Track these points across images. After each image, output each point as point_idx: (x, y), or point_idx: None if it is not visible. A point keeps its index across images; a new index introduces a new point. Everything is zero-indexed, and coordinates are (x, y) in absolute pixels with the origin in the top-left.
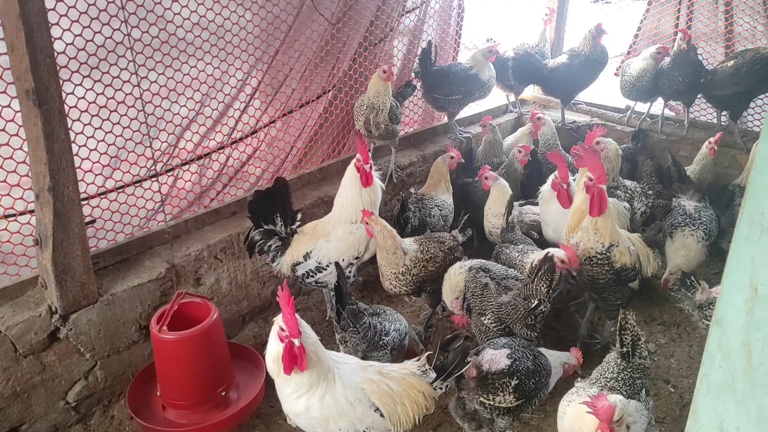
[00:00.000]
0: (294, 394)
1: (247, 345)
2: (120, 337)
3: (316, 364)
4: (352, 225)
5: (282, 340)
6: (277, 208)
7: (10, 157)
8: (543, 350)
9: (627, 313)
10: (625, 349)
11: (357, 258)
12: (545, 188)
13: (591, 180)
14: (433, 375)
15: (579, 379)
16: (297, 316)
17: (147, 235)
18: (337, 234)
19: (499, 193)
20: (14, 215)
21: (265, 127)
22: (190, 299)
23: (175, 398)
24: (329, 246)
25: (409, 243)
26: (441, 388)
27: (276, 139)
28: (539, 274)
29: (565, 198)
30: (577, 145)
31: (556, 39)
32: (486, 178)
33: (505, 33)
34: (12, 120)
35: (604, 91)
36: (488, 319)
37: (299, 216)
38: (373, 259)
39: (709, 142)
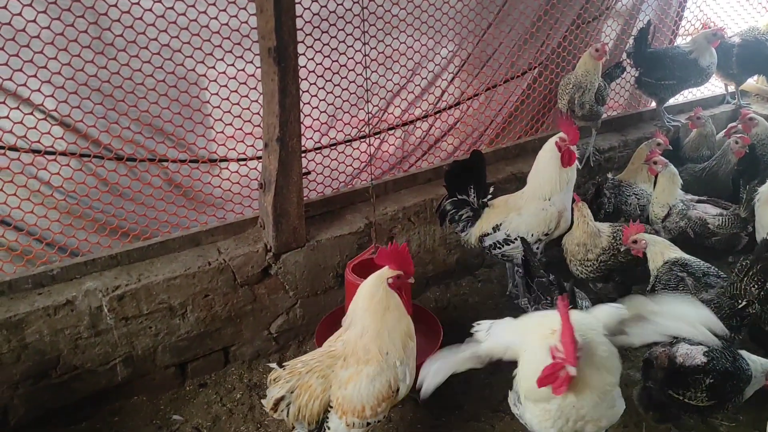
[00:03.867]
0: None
1: (428, 307)
2: (319, 281)
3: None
4: (545, 201)
5: (553, 358)
6: (471, 179)
7: (248, 108)
8: (746, 354)
9: None
10: None
11: (546, 234)
12: (765, 188)
13: None
14: None
15: None
16: (577, 338)
17: (351, 191)
18: (529, 209)
19: (668, 181)
20: (245, 160)
21: (468, 99)
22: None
23: None
24: (520, 220)
25: (604, 228)
26: None
27: (477, 111)
28: (750, 272)
29: None
30: None
31: None
32: (655, 163)
33: (729, 19)
34: (252, 75)
35: None
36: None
37: (491, 189)
38: (557, 241)
39: None
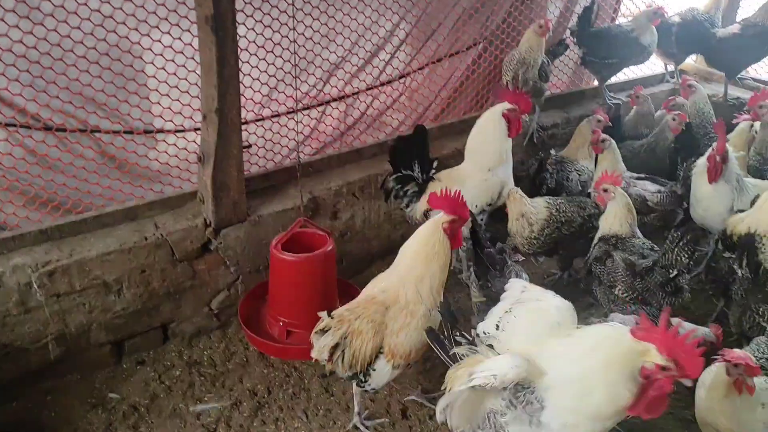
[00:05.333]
0: None
1: None
2: (261, 257)
3: None
4: (488, 172)
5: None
6: (415, 154)
7: (185, 79)
8: (679, 321)
9: None
10: None
11: (489, 205)
12: (702, 161)
13: None
14: None
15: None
16: None
17: (293, 165)
18: (473, 181)
19: (611, 159)
20: (182, 132)
21: (412, 73)
22: (314, 230)
23: (279, 315)
24: (464, 191)
25: (540, 203)
26: None
27: (421, 86)
28: (680, 243)
29: (713, 172)
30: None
31: (729, 7)
32: (602, 141)
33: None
34: (189, 44)
35: None
36: (619, 290)
37: (435, 164)
38: (500, 216)
39: None
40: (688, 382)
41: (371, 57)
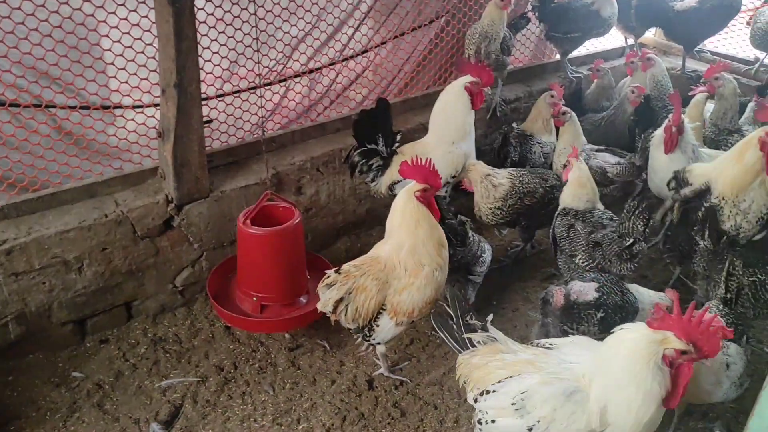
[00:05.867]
0: None
1: (339, 258)
2: (225, 233)
3: None
4: (452, 145)
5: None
6: (379, 128)
7: (142, 52)
8: (636, 287)
9: (735, 259)
10: (729, 295)
11: (453, 177)
12: (659, 132)
13: None
14: None
15: None
16: None
17: (256, 140)
18: (437, 153)
19: (573, 130)
20: (141, 107)
21: (375, 47)
22: (280, 203)
23: (249, 289)
24: None
25: (503, 174)
26: None
27: (385, 60)
28: (636, 212)
29: (669, 143)
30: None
31: None
32: (563, 114)
33: None
34: (146, 16)
35: (733, 41)
36: (580, 258)
37: (399, 137)
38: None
39: None
40: (708, 362)
41: (334, 31)
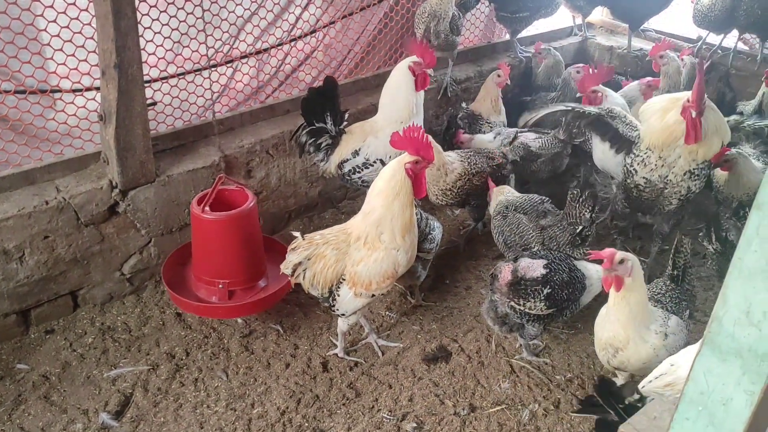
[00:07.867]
0: None
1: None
2: (173, 218)
3: None
4: (400, 125)
5: None
6: (327, 106)
7: (80, 32)
8: (584, 264)
9: (684, 237)
10: (676, 272)
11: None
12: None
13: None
14: None
15: None
16: None
17: (204, 123)
18: (386, 132)
19: None
20: (80, 90)
21: (324, 27)
22: (231, 187)
23: (211, 276)
24: (378, 143)
25: (454, 157)
26: None
27: (334, 40)
28: (581, 200)
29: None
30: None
31: None
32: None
33: None
34: None
35: (677, 20)
36: (536, 249)
37: (347, 115)
38: None
39: None
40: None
41: (282, 11)
